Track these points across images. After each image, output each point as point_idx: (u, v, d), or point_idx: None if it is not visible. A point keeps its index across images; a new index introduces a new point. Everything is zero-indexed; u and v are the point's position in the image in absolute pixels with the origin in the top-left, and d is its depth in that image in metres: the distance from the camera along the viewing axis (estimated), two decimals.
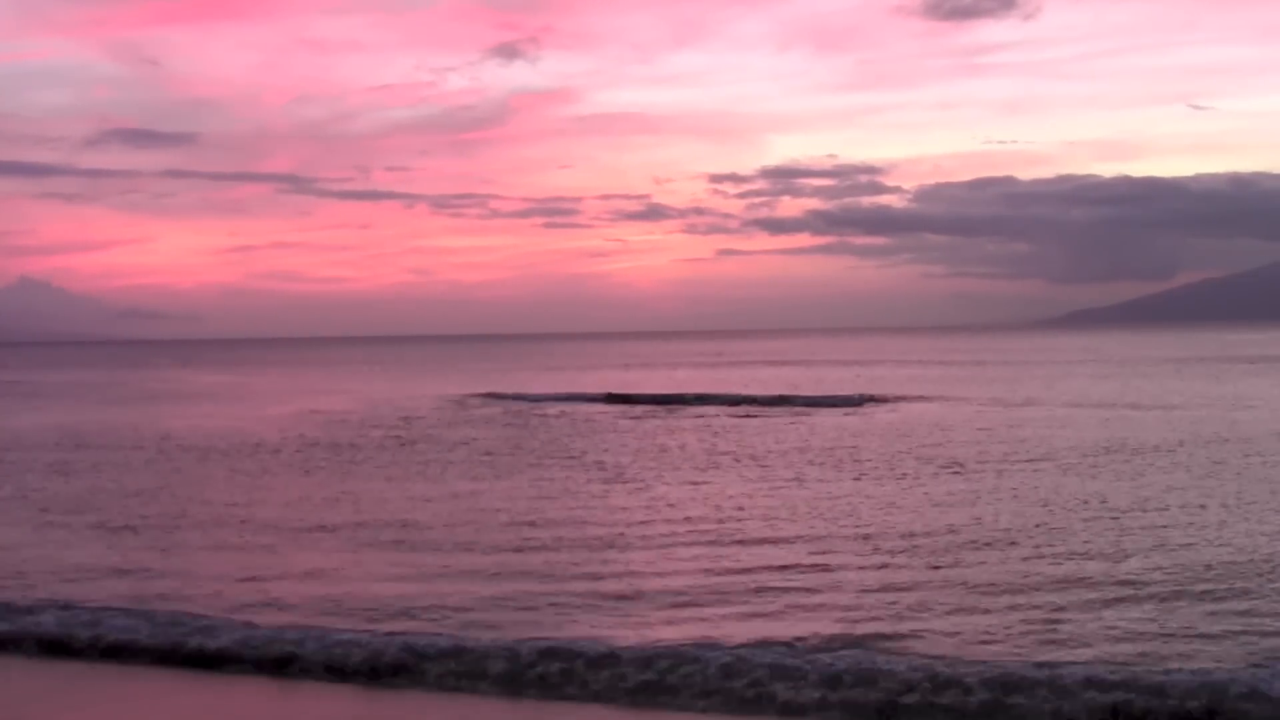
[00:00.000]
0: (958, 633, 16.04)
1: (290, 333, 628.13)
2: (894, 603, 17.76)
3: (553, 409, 64.52)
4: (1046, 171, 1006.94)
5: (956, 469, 33.91)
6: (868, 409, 59.55)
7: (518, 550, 22.77)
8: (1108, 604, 17.49)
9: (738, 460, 37.81)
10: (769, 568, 20.60)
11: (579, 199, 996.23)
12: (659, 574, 20.42)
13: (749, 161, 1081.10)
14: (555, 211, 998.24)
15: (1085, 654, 14.78)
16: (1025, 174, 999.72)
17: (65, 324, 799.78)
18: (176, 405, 74.60)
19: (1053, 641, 15.48)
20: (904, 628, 16.26)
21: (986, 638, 15.79)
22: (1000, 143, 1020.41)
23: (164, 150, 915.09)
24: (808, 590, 18.87)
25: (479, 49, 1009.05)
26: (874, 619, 16.82)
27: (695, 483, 32.42)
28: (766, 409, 61.31)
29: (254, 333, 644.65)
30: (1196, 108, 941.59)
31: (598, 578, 20.10)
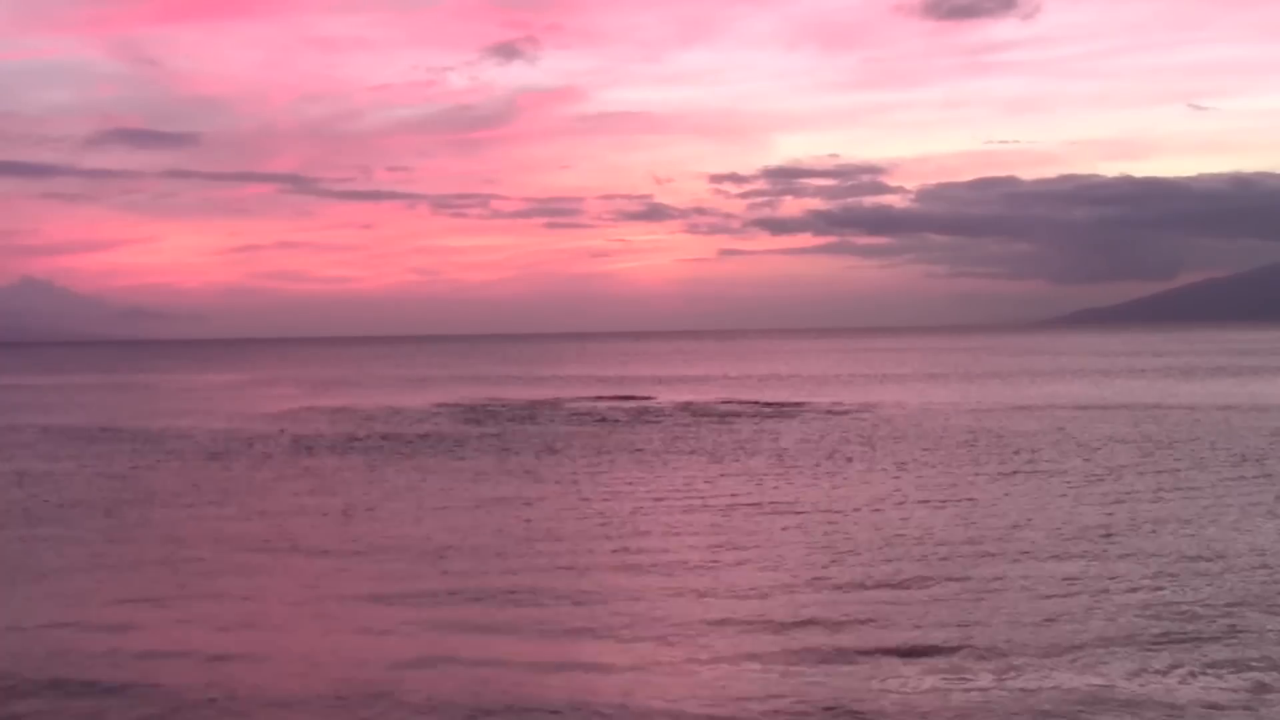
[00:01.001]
0: None
1: (295, 333, 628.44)
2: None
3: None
4: (1049, 171, 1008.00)
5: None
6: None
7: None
8: None
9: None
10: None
11: (580, 199, 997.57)
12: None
13: (751, 161, 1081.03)
14: (557, 211, 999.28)
15: None
16: (1028, 174, 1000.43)
17: (68, 323, 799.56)
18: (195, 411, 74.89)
19: None
20: None
21: None
22: (1002, 142, 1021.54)
23: (166, 150, 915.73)
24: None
25: (484, 47, 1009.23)
26: None
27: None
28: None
29: (258, 332, 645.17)
30: (1196, 108, 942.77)
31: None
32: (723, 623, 17.59)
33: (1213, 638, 16.19)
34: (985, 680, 14.55)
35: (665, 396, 74.69)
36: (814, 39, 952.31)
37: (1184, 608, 17.81)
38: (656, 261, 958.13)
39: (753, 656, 15.83)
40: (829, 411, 59.29)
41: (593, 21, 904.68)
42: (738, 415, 58.53)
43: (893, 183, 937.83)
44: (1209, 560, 21.18)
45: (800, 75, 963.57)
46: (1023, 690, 14.17)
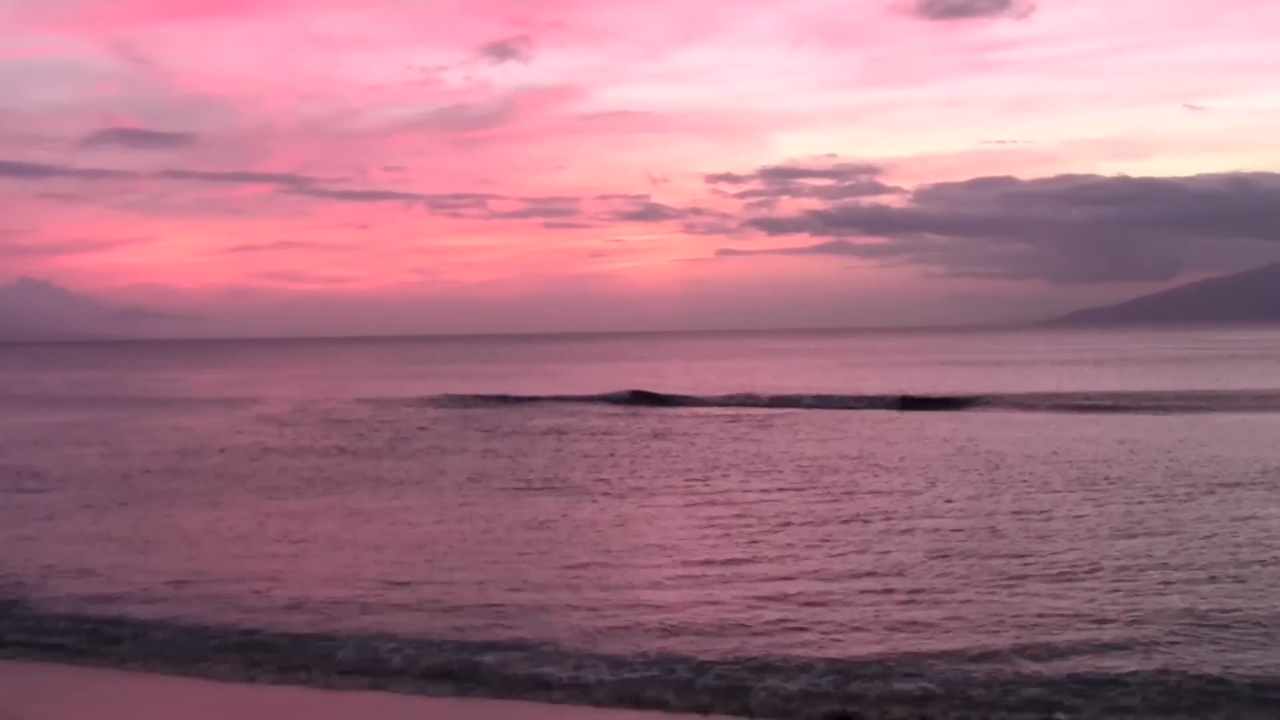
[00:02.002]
0: None
1: (293, 333, 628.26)
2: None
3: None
4: (1047, 171, 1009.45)
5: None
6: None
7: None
8: None
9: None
10: None
11: (577, 199, 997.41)
12: None
13: (747, 161, 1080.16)
14: (554, 211, 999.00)
15: None
16: (1025, 174, 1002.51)
17: (66, 324, 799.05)
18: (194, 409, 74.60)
19: None
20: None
21: None
22: (1000, 142, 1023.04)
23: (163, 150, 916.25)
24: None
25: (484, 45, 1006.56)
26: None
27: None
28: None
29: (256, 333, 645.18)
30: (1192, 108, 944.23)
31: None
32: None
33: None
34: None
35: (665, 395, 74.39)
36: (812, 38, 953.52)
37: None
38: (654, 261, 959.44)
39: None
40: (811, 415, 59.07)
41: (595, 19, 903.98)
42: (737, 417, 58.34)
43: (890, 183, 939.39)
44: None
45: (797, 74, 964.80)
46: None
